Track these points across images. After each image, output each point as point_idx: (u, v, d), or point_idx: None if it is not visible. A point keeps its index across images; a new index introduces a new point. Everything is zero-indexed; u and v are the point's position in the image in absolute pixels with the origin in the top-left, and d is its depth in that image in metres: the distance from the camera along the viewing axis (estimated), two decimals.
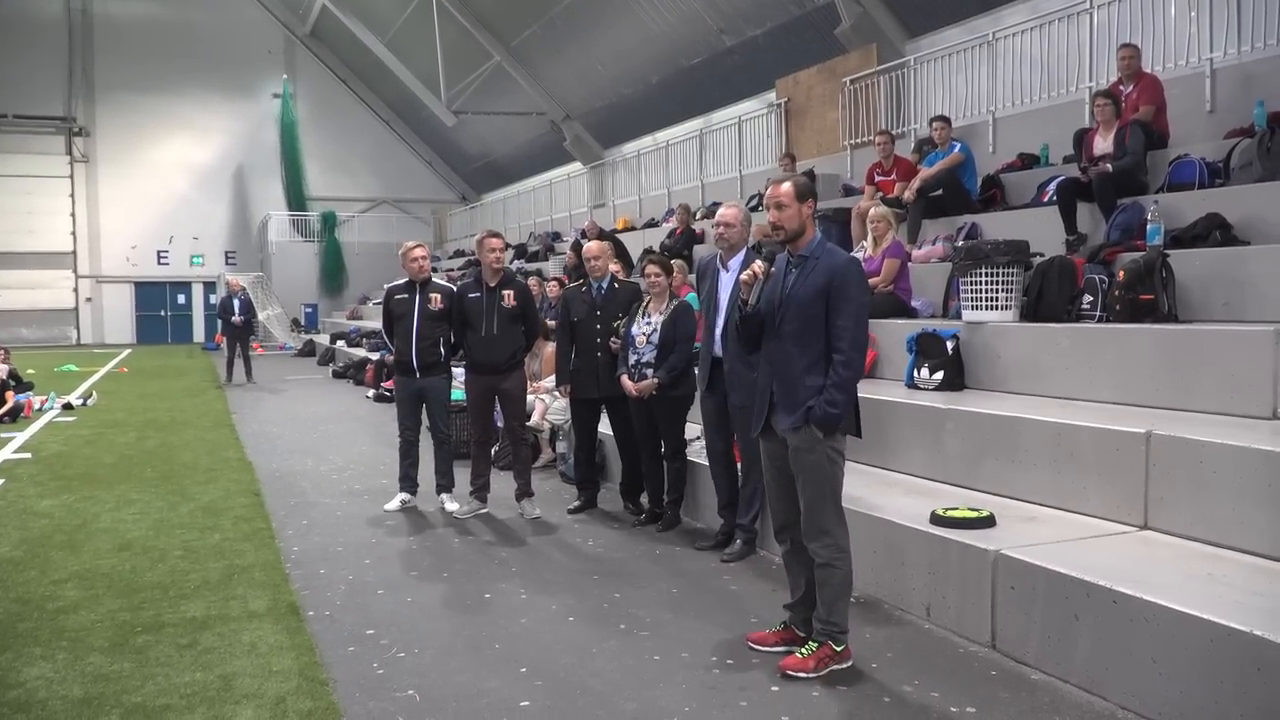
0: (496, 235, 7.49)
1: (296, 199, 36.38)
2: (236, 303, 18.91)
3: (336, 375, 20.26)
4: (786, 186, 4.39)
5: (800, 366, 4.30)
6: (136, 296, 36.72)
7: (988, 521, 4.91)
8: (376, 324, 24.53)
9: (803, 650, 4.35)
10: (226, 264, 35.93)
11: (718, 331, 6.03)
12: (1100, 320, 6.43)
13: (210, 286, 36.43)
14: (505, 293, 7.28)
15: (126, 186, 35.77)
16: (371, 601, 5.48)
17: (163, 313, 37.20)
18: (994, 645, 4.50)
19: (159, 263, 36.67)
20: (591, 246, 7.43)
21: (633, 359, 6.88)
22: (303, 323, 33.42)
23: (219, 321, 20.55)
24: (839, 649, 4.32)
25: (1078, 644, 4.05)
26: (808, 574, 4.47)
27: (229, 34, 36.27)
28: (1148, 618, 3.75)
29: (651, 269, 7.00)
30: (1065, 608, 4.11)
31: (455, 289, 7.67)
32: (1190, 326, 5.93)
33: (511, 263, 19.34)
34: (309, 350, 27.42)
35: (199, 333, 36.62)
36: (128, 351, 30.44)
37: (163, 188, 36.10)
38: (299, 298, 34.05)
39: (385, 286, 8.75)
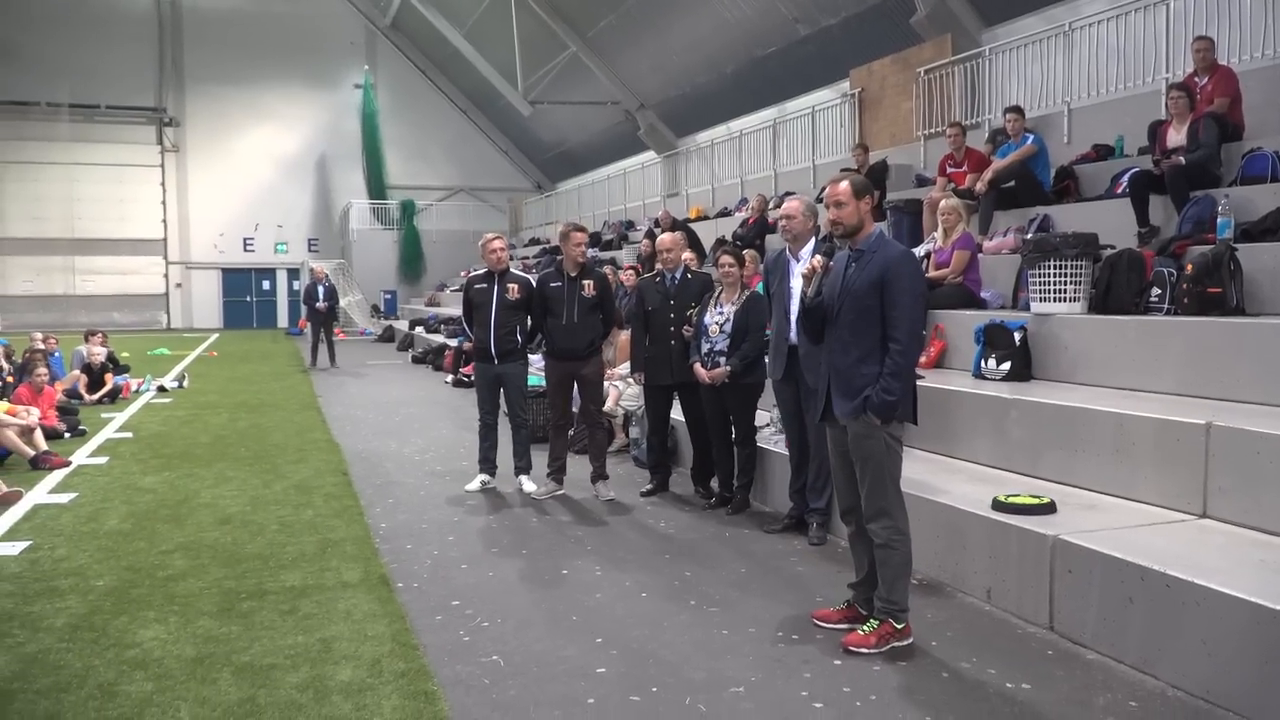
0: (582, 229, 7.79)
1: (377, 187, 37.18)
2: (321, 289, 19.51)
3: (416, 360, 20.81)
4: (844, 185, 4.61)
5: (855, 356, 4.52)
6: (223, 282, 37.98)
7: (1048, 508, 5.06)
8: (454, 311, 25.18)
9: (864, 627, 4.57)
10: (309, 251, 36.93)
11: (793, 318, 6.21)
12: (1168, 313, 6.50)
13: (294, 273, 37.51)
14: (585, 283, 7.56)
15: (214, 175, 37.03)
16: (456, 575, 5.80)
17: (248, 298, 38.39)
18: (1052, 626, 4.66)
19: (245, 250, 37.87)
20: (664, 239, 7.67)
21: (705, 347, 7.11)
22: (382, 309, 34.25)
23: (304, 307, 21.21)
24: (899, 626, 4.52)
25: (1131, 625, 4.21)
26: (871, 554, 4.68)
27: (312, 26, 37.29)
28: (1198, 600, 3.89)
29: (725, 259, 7.21)
30: (1120, 591, 4.26)
31: (532, 279, 7.99)
32: (1257, 320, 5.98)
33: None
34: (389, 336, 28.12)
35: (283, 318, 37.71)
36: (216, 336, 31.48)
37: (249, 177, 37.26)
38: (379, 284, 34.95)
39: (467, 274, 9.08)
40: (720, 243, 13.80)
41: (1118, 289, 6.77)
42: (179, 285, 37.32)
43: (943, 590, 5.35)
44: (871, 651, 4.45)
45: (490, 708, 3.98)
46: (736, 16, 20.74)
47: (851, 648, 4.49)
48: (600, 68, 27.23)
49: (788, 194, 16.63)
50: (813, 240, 6.28)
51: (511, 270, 7.99)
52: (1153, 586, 4.11)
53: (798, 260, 6.27)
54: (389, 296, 34.98)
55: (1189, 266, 6.33)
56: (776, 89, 20.90)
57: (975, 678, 4.22)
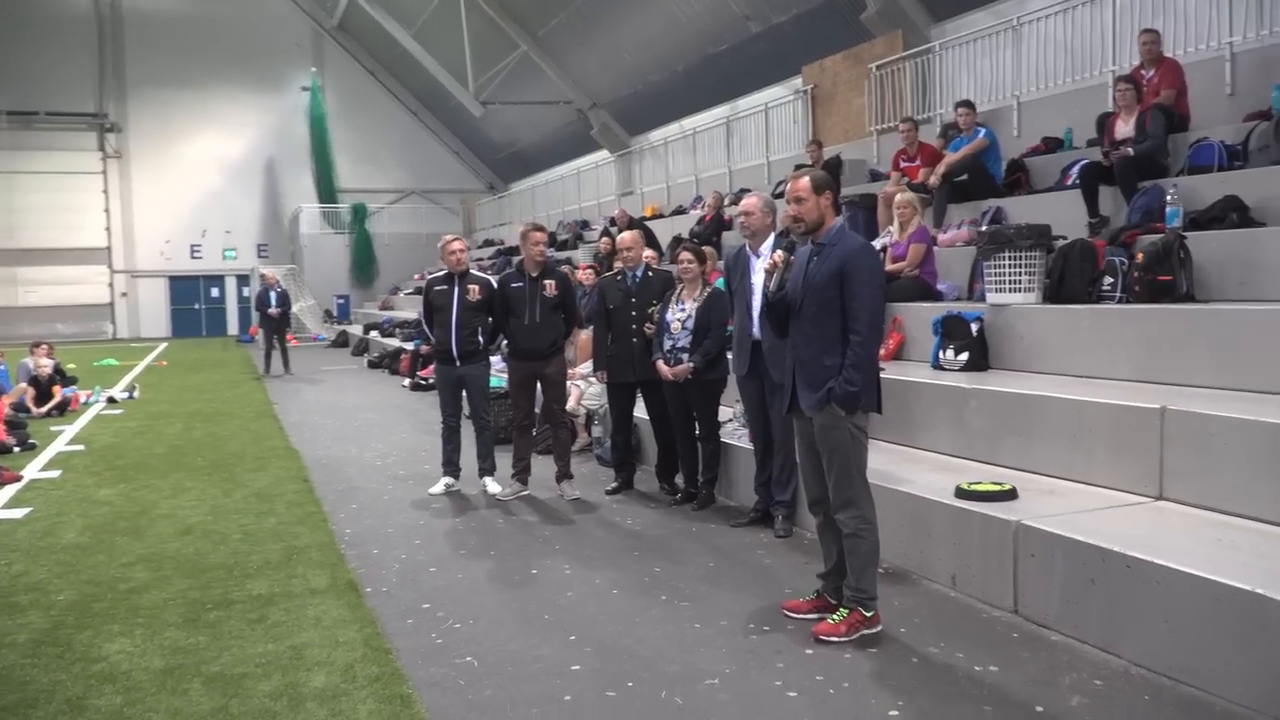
0: (540, 229, 7.79)
1: (327, 191, 36.82)
2: (273, 295, 19.30)
3: (372, 365, 20.66)
4: (804, 181, 4.67)
5: (818, 348, 4.58)
6: (170, 290, 37.48)
7: (1010, 494, 5.15)
8: (409, 314, 25.01)
9: (834, 616, 4.62)
10: (258, 257, 36.58)
11: (755, 314, 6.28)
12: (1120, 301, 6.64)
13: (243, 279, 37.12)
14: (547, 283, 7.57)
15: (159, 181, 36.49)
16: (424, 578, 5.78)
17: (196, 306, 37.91)
18: (1016, 610, 4.75)
19: (192, 256, 37.39)
20: (625, 238, 7.69)
21: (668, 344, 7.14)
22: (335, 314, 33.95)
23: (255, 314, 20.97)
24: (869, 614, 4.58)
25: (1094, 607, 4.30)
26: (839, 545, 4.74)
27: (257, 28, 36.88)
28: (1159, 580, 3.99)
29: (685, 256, 7.25)
30: (1082, 573, 4.36)
31: (493, 279, 7.99)
32: (1207, 306, 6.13)
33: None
34: (342, 341, 27.88)
35: (233, 325, 37.27)
36: (164, 345, 31.05)
37: (194, 182, 36.78)
38: (331, 289, 34.62)
39: (422, 277, 9.06)
40: (677, 240, 13.87)
41: (1071, 279, 6.89)
42: (125, 294, 36.73)
43: (908, 578, 5.43)
44: (842, 640, 4.51)
45: (467, 708, 3.98)
46: (687, 14, 20.82)
47: (822, 637, 4.54)
48: (551, 67, 27.19)
49: (743, 190, 16.76)
50: (772, 236, 6.35)
51: (471, 271, 7.97)
52: (1114, 568, 4.21)
53: (758, 256, 6.33)
54: (341, 301, 34.65)
55: (1140, 255, 6.46)
56: (729, 86, 20.99)
57: (944, 661, 4.30)
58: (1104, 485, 5.27)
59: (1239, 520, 4.54)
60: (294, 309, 26.69)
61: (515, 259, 8.08)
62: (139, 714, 3.99)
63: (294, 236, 36.94)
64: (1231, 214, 6.72)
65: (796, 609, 4.91)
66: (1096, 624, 4.29)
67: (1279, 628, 3.52)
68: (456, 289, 7.75)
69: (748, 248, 6.44)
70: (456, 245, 7.87)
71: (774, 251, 4.83)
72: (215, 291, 38.09)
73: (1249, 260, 6.25)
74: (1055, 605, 4.52)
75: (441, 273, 7.99)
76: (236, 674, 4.38)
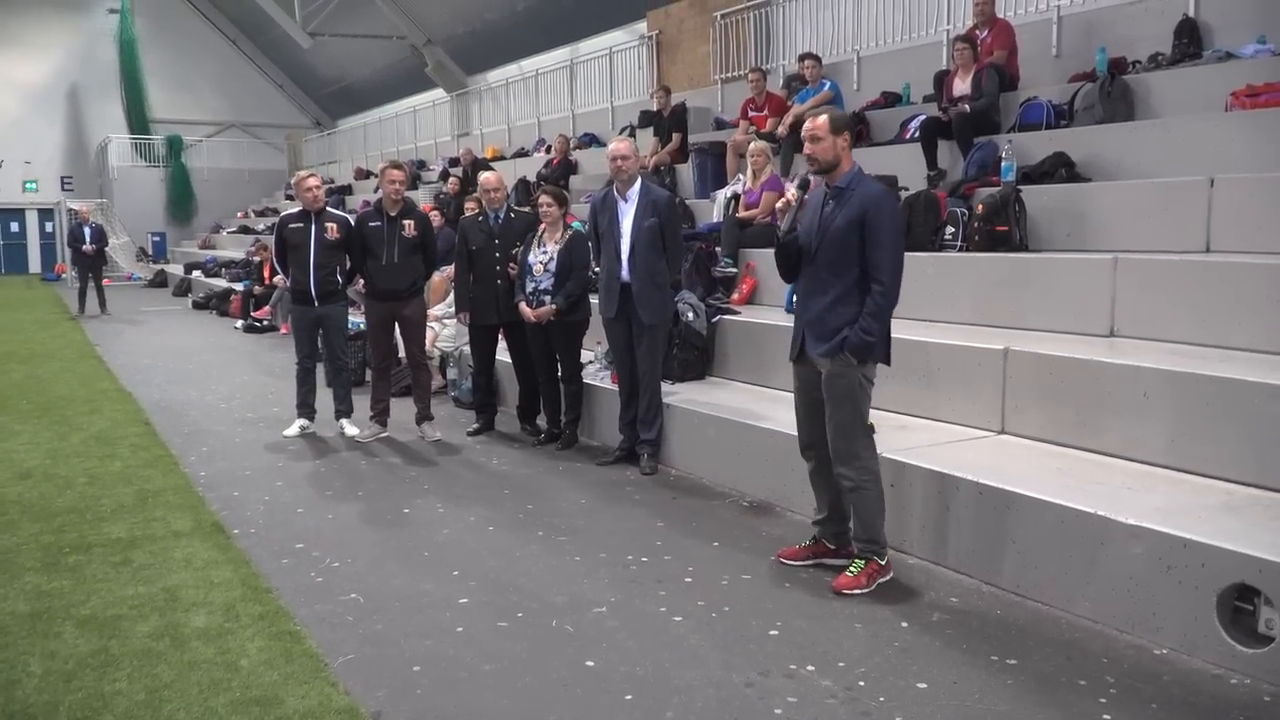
0: (399, 166, 7.63)
1: (138, 121, 34.58)
2: (87, 231, 18.24)
3: (197, 306, 19.81)
4: (822, 120, 4.53)
5: (834, 295, 4.47)
6: None
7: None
8: (233, 254, 23.97)
9: (851, 569, 4.56)
10: (63, 190, 34.12)
11: (624, 257, 6.39)
12: (961, 250, 7.06)
13: (46, 214, 34.62)
14: (406, 223, 7.44)
15: None
16: (293, 519, 5.72)
17: None
18: None
19: None
20: (490, 178, 7.64)
21: (530, 286, 7.16)
22: (150, 252, 32.14)
23: (69, 251, 19.72)
24: (883, 562, 4.57)
25: (948, 531, 4.67)
26: (830, 493, 4.74)
27: None
28: (1008, 504, 4.37)
29: (544, 199, 7.24)
30: (938, 500, 4.71)
31: (350, 218, 7.82)
32: (1039, 255, 6.62)
33: (376, 192, 19.08)
34: (161, 281, 26.51)
35: (35, 263, 34.82)
36: None
37: None
38: (145, 226, 32.65)
39: (244, 215, 8.75)
40: (525, 183, 13.85)
41: (916, 228, 7.28)
42: None
43: (772, 510, 5.71)
44: (864, 591, 4.43)
45: (359, 641, 4.01)
46: None
47: (844, 590, 4.44)
48: (385, 0, 26.25)
49: (586, 135, 16.78)
50: (639, 180, 6.48)
51: (329, 209, 7.77)
52: (966, 494, 4.57)
53: (625, 200, 6.45)
54: (157, 239, 32.79)
55: (980, 207, 6.89)
56: (571, 29, 20.77)
57: (813, 585, 4.58)
58: (950, 421, 5.68)
59: (1074, 451, 4.98)
60: (112, 245, 25.17)
61: (377, 195, 7.91)
62: (14, 657, 3.87)
63: (102, 169, 34.53)
64: (1061, 169, 7.22)
65: (794, 556, 4.84)
66: (950, 547, 4.66)
67: (1119, 546, 3.92)
68: (314, 227, 7.52)
69: (615, 191, 6.53)
70: (313, 182, 7.62)
71: (788, 189, 4.74)
72: (15, 226, 35.37)
73: (1076, 213, 6.75)
74: (913, 531, 4.86)
75: (296, 210, 7.75)
76: (109, 616, 4.28)
